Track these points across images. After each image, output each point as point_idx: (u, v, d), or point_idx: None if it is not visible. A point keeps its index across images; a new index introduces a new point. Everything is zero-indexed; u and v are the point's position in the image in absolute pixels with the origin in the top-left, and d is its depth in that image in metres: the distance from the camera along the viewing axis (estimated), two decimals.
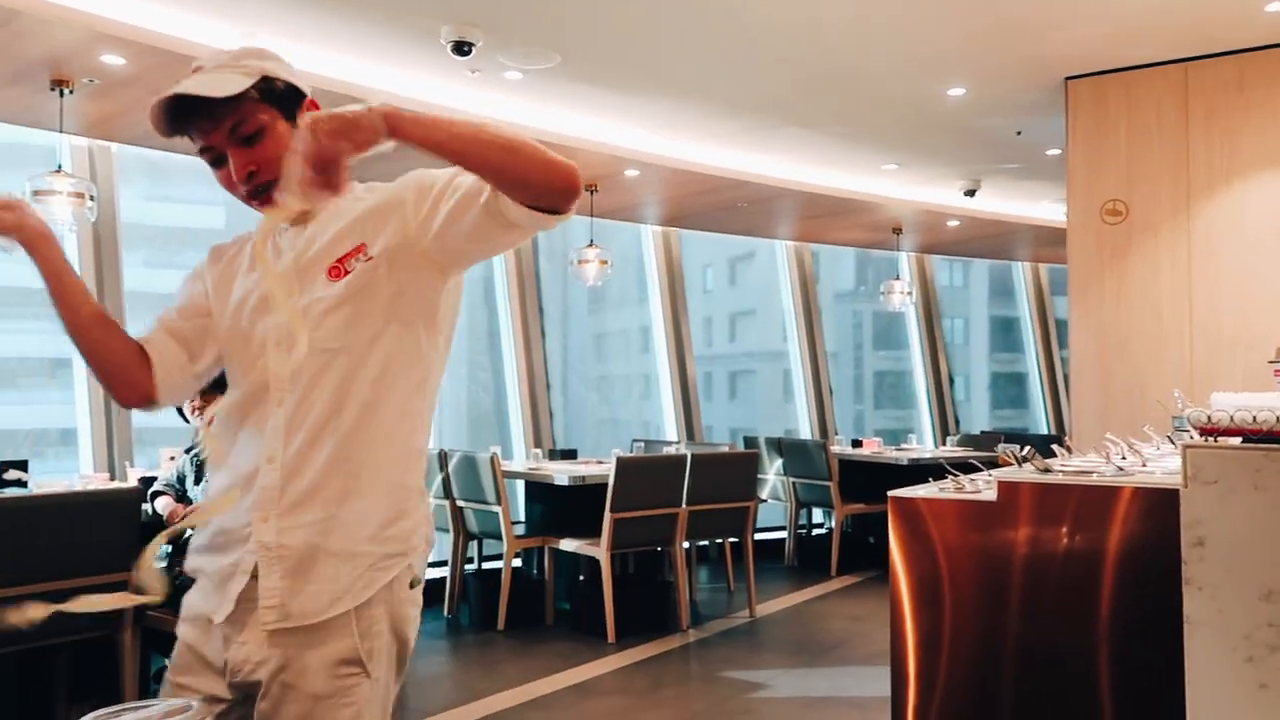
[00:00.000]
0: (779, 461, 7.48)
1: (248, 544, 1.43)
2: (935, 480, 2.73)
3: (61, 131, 4.75)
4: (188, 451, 4.02)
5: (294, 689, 1.41)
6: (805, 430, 8.93)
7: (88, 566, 3.18)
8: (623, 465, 5.14)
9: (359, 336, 1.45)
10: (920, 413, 9.94)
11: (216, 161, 1.47)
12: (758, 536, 5.98)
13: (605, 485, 5.10)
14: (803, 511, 7.66)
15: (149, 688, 3.66)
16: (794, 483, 7.38)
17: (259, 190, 1.46)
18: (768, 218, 8.06)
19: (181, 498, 3.92)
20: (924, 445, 8.76)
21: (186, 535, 3.96)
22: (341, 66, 4.73)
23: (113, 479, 4.85)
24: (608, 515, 5.06)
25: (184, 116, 1.44)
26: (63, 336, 1.54)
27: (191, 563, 1.54)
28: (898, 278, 8.58)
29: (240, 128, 1.44)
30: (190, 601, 1.52)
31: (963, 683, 2.49)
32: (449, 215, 1.44)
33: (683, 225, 8.21)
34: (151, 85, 4.51)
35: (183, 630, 1.51)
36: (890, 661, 2.50)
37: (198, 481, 3.89)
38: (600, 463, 5.92)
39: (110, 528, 3.30)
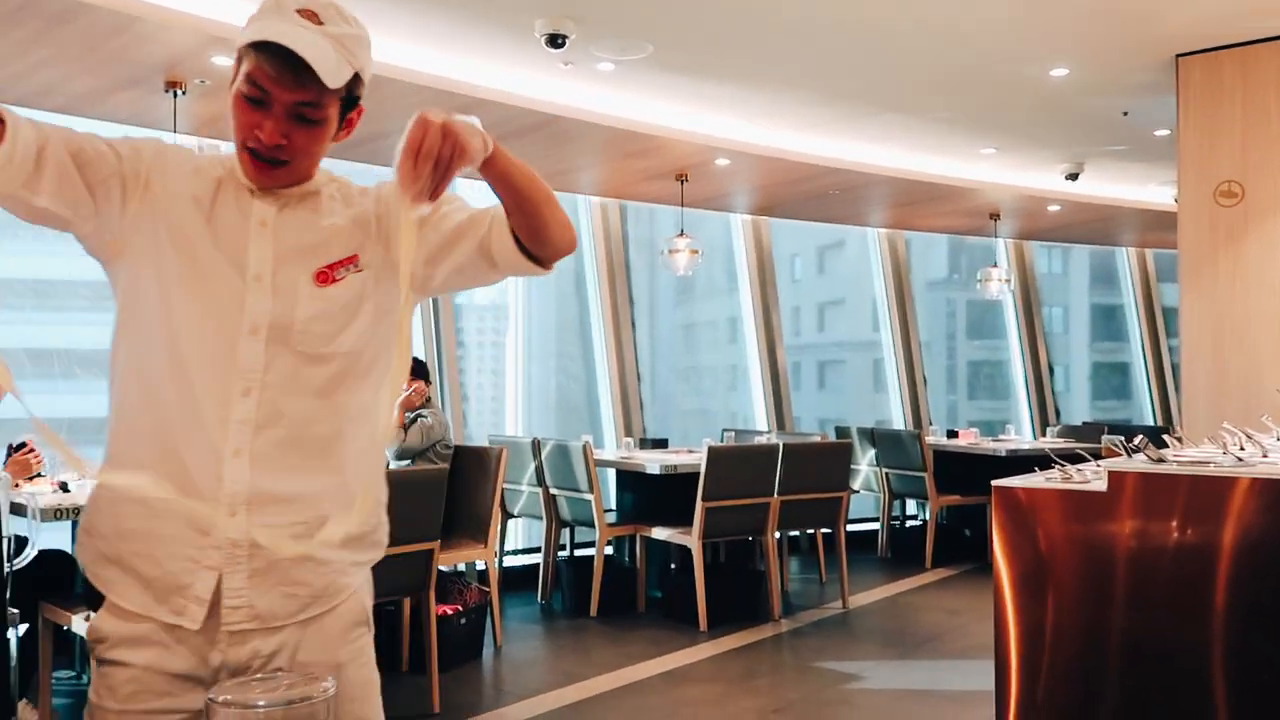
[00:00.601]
0: (872, 452, 7.38)
1: (209, 537, 1.33)
2: (1034, 472, 2.67)
3: (175, 132, 4.95)
4: None
5: (316, 665, 1.40)
6: (898, 421, 8.79)
7: None
8: (714, 454, 5.14)
9: (345, 347, 1.40)
10: (1017, 403, 9.69)
11: (255, 100, 1.32)
12: (850, 528, 5.92)
13: (696, 474, 5.11)
14: (896, 503, 7.55)
15: None
16: (887, 474, 7.28)
17: (271, 161, 1.35)
18: (860, 205, 7.95)
19: None
20: (1022, 436, 8.54)
21: None
22: (436, 61, 4.83)
23: None
24: (699, 504, 5.07)
25: (268, 53, 1.29)
26: None
27: (95, 564, 1.37)
28: (995, 265, 8.37)
29: (307, 109, 1.33)
30: (110, 625, 1.35)
31: (1066, 676, 2.43)
32: (442, 244, 1.44)
33: (773, 214, 8.15)
34: None
35: (123, 654, 1.34)
36: (994, 653, 2.46)
37: None
38: (691, 452, 5.94)
39: None
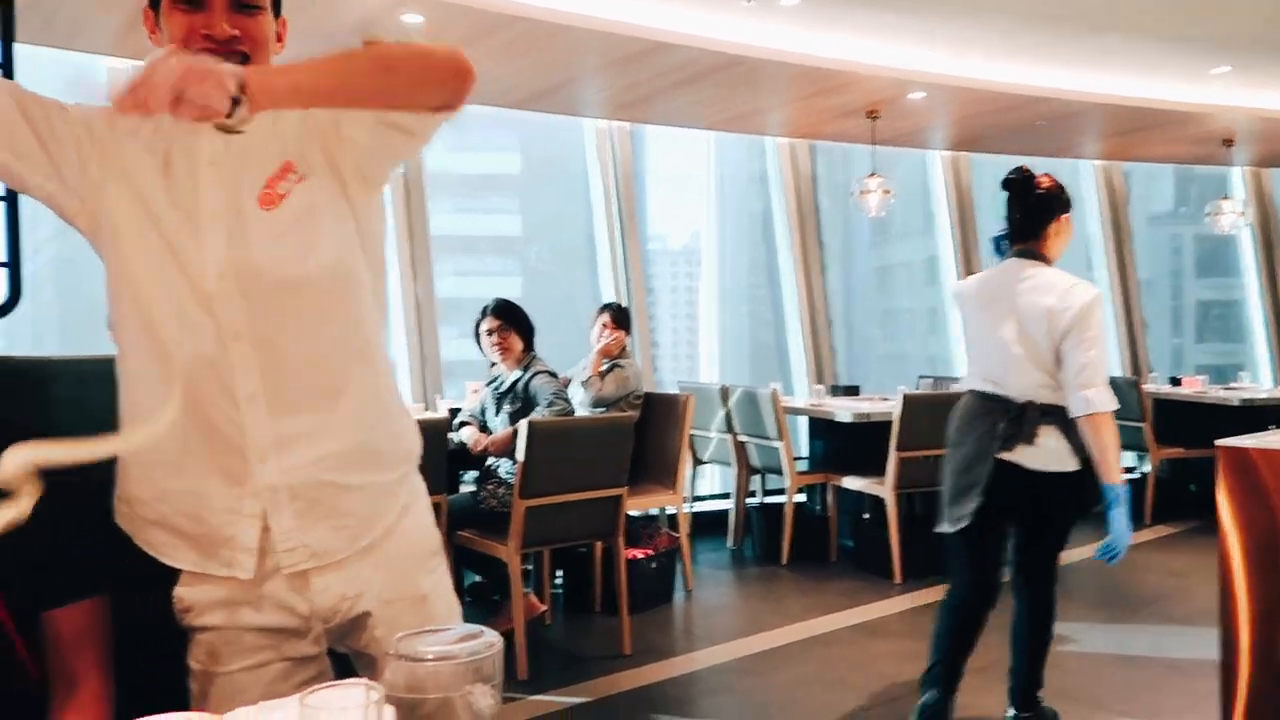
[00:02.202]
0: None
1: (244, 487, 1.31)
2: (1271, 430, 2.39)
3: None
4: (489, 384, 4.30)
5: (401, 601, 1.39)
6: (1114, 366, 8.20)
7: None
8: (909, 402, 4.96)
9: (316, 263, 1.32)
10: (1255, 347, 8.83)
11: (191, 2, 1.29)
12: None
13: (888, 423, 4.95)
14: None
15: (462, 600, 4.00)
16: None
17: (231, 58, 1.25)
18: (1071, 136, 7.36)
19: (483, 428, 4.21)
20: (1259, 384, 7.78)
21: (489, 464, 4.22)
22: (615, 6, 4.77)
23: (426, 409, 5.30)
24: (893, 454, 4.91)
25: None
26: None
27: (142, 530, 1.36)
28: (1228, 196, 7.60)
29: None
30: (193, 593, 1.35)
31: None
32: (352, 129, 1.34)
33: (972, 149, 7.69)
34: (440, 40, 4.77)
35: (212, 619, 1.35)
36: (1219, 629, 2.24)
37: (497, 413, 4.16)
38: (884, 399, 5.75)
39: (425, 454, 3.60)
